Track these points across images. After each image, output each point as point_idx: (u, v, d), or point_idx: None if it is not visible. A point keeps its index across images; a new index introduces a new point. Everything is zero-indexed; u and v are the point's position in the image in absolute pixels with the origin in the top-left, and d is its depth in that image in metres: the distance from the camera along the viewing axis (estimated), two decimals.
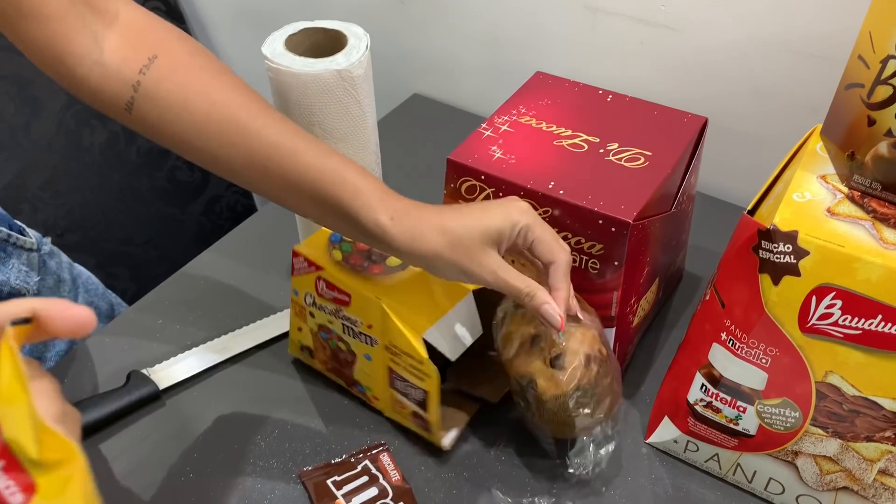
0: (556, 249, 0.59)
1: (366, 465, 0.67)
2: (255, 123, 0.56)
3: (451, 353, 0.66)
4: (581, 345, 0.62)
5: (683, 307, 0.83)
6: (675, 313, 0.83)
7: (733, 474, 0.66)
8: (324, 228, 0.70)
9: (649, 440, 0.70)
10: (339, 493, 0.65)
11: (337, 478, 0.66)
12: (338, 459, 0.68)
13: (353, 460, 0.68)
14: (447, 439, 0.69)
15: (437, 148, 0.89)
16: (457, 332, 0.66)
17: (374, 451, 0.69)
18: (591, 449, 0.65)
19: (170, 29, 0.59)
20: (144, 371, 0.75)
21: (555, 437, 0.66)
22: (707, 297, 0.63)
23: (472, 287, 0.67)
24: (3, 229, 0.71)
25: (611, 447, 0.65)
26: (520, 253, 0.61)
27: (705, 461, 0.67)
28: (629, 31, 0.92)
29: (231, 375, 0.77)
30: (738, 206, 0.93)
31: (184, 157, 0.58)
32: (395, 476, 0.67)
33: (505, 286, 0.58)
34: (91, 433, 0.71)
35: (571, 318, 0.62)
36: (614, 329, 0.69)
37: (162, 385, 0.74)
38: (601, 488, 0.67)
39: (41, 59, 0.55)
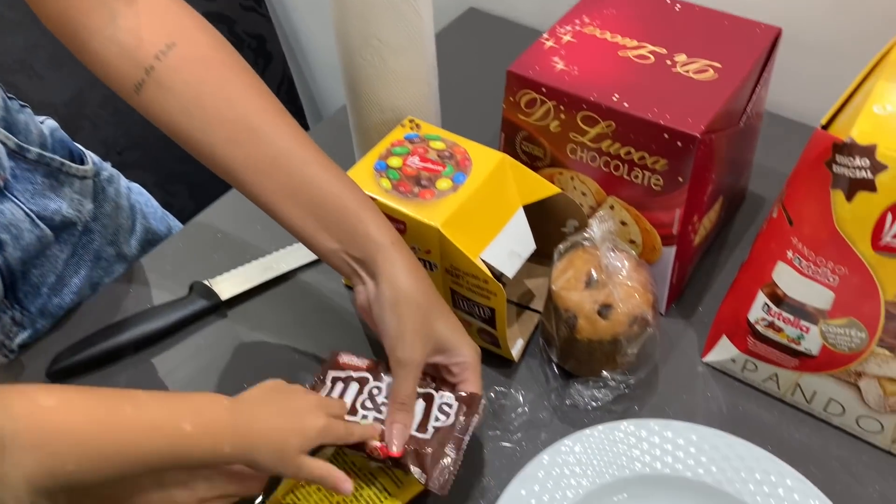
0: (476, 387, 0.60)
1: (332, 376, 0.62)
2: (267, 127, 0.57)
3: (509, 271, 0.66)
4: (632, 305, 0.63)
5: (746, 228, 0.81)
6: (737, 234, 0.81)
7: (792, 395, 0.65)
8: (366, 158, 0.69)
9: (706, 359, 0.69)
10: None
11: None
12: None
13: (318, 378, 0.62)
14: (515, 350, 0.69)
15: (494, 62, 0.87)
16: (512, 249, 0.66)
17: (328, 362, 0.63)
18: (595, 389, 0.66)
19: (193, 16, 0.59)
20: (206, 282, 0.77)
21: (572, 369, 0.67)
22: (774, 215, 0.61)
23: (521, 203, 0.67)
24: (57, 158, 0.72)
25: (611, 395, 0.66)
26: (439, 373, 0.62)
27: (763, 381, 0.66)
28: None
29: (289, 288, 0.78)
30: (807, 126, 0.89)
31: (179, 145, 0.59)
32: (363, 362, 0.63)
33: (406, 376, 0.57)
34: (156, 341, 0.74)
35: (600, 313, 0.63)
36: (675, 248, 0.67)
37: (224, 296, 0.76)
38: (656, 405, 0.67)
39: (56, 28, 0.57)
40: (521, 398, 0.67)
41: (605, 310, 0.63)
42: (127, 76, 0.56)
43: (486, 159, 0.68)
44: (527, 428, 0.66)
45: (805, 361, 0.62)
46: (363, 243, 0.57)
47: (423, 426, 0.58)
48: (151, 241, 0.87)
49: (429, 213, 0.64)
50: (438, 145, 0.69)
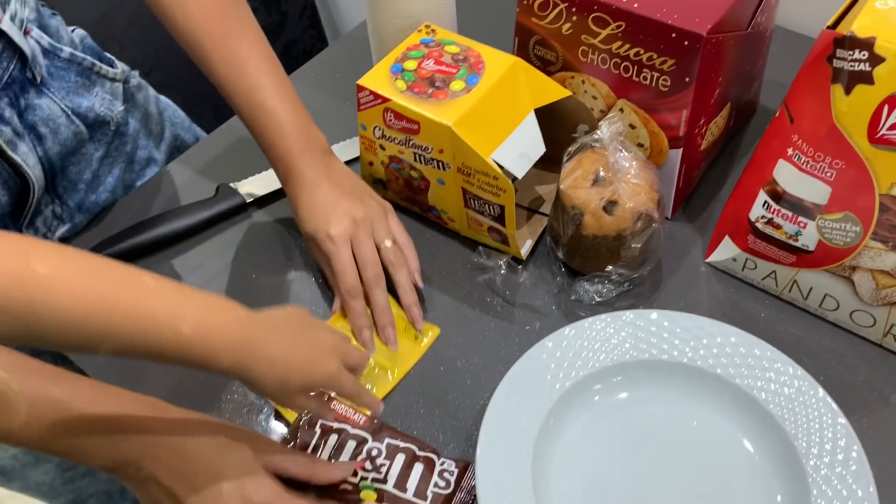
0: None
1: (321, 424, 0.60)
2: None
3: (518, 172, 0.68)
4: (638, 202, 0.65)
5: (754, 140, 0.83)
6: (746, 146, 0.82)
7: (789, 291, 0.68)
8: (383, 62, 0.71)
9: (709, 259, 0.72)
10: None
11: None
12: (285, 434, 0.61)
13: (305, 424, 0.60)
14: (524, 248, 0.72)
15: None
16: (522, 151, 0.69)
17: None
18: (599, 284, 0.69)
19: None
20: (232, 185, 0.80)
21: (578, 267, 0.70)
22: (777, 115, 0.63)
23: (532, 107, 0.69)
24: (89, 58, 0.76)
25: (614, 291, 0.69)
26: None
27: (762, 279, 0.69)
28: None
29: None
30: None
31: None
32: (359, 417, 0.61)
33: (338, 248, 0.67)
34: (184, 238, 0.78)
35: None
36: (681, 150, 0.69)
37: (249, 197, 0.80)
38: (658, 302, 0.70)
39: None
40: (529, 295, 0.70)
41: (610, 206, 0.65)
42: None
43: (499, 62, 0.70)
44: (532, 321, 0.69)
45: (802, 257, 0.64)
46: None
47: (421, 492, 0.57)
48: (180, 147, 0.91)
49: (442, 112, 0.66)
50: (453, 49, 0.71)
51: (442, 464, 0.59)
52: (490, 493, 0.55)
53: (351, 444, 0.59)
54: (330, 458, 0.59)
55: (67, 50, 0.73)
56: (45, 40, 0.71)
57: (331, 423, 0.60)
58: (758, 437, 0.59)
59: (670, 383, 0.62)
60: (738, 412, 0.60)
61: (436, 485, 0.57)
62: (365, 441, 0.60)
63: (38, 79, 0.69)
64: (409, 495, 0.57)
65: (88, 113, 0.75)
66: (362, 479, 0.58)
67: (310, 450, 0.60)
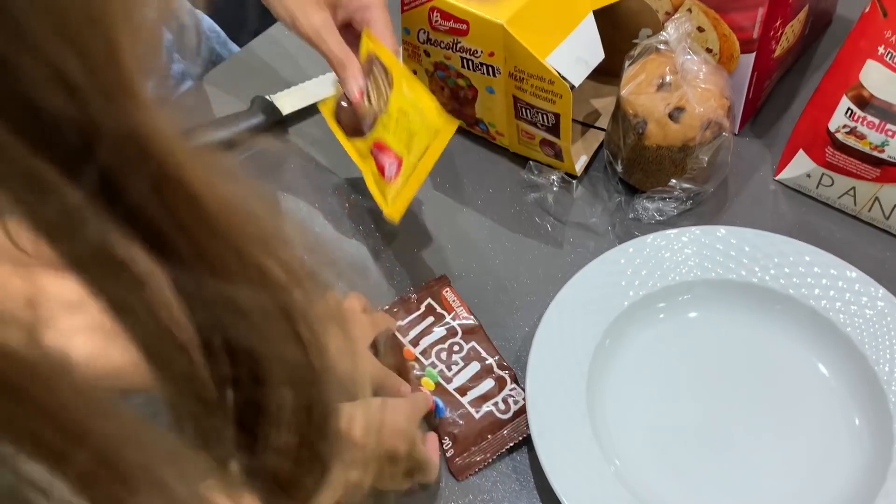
0: (387, 36, 0.59)
1: (429, 303, 0.61)
2: None
3: (575, 78, 0.63)
4: (707, 108, 0.59)
5: (829, 53, 0.76)
6: (820, 59, 0.76)
7: (869, 210, 0.62)
8: None
9: (779, 177, 0.66)
10: (405, 340, 0.59)
11: (400, 323, 0.60)
12: (395, 299, 0.61)
13: (413, 297, 0.61)
14: (579, 164, 0.68)
15: None
16: (579, 56, 0.64)
17: (435, 287, 0.62)
18: (660, 202, 0.64)
19: None
20: (268, 97, 0.76)
21: (637, 183, 0.65)
22: (867, 10, 0.57)
23: (591, 7, 0.64)
24: None
25: (676, 210, 0.64)
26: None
27: (839, 196, 0.63)
28: None
29: None
30: None
31: None
32: (463, 313, 0.60)
33: (323, 48, 0.60)
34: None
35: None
36: (754, 55, 0.64)
37: (285, 111, 0.76)
38: (723, 222, 0.65)
39: None
40: (582, 214, 0.66)
41: (677, 113, 0.60)
42: None
43: None
44: (586, 241, 0.65)
45: (887, 171, 0.59)
46: None
47: (476, 404, 0.55)
48: (215, 62, 0.87)
49: (493, 10, 0.62)
50: None
51: (512, 389, 0.56)
52: (540, 411, 0.52)
53: (440, 332, 0.59)
54: (418, 337, 0.59)
55: None
56: None
57: (436, 306, 0.60)
58: (834, 361, 0.55)
59: (739, 303, 0.58)
60: (812, 335, 0.56)
61: (495, 404, 0.55)
62: (455, 334, 0.59)
63: None
64: (465, 401, 0.55)
65: None
66: (432, 366, 0.57)
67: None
